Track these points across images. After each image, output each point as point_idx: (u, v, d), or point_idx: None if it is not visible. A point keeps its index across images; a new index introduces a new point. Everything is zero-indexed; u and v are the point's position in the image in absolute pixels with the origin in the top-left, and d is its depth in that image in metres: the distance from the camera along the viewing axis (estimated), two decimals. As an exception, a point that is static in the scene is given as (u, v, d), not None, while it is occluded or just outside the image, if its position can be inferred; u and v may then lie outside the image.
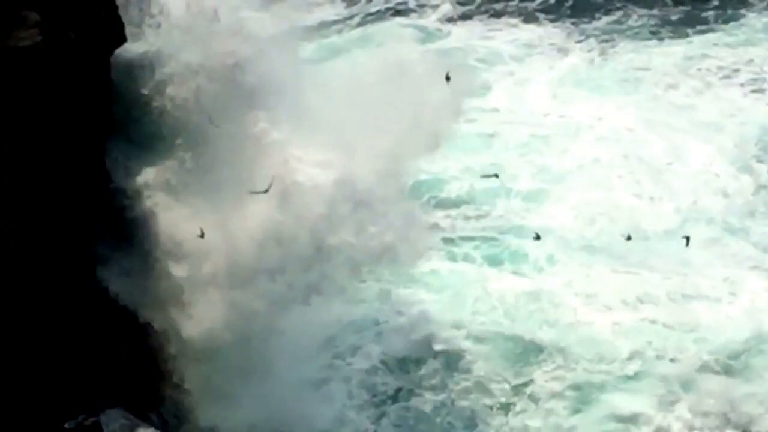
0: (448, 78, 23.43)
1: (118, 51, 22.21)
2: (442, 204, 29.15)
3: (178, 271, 22.30)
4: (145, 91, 22.54)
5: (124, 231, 22.24)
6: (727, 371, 23.65)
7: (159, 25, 23.19)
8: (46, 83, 18.96)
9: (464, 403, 23.28)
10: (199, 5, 23.17)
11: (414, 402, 23.46)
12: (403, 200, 25.03)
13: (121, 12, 22.19)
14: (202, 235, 21.71)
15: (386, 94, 24.97)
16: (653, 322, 25.01)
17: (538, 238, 26.50)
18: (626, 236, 26.59)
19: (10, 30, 18.64)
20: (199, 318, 22.29)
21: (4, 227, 18.72)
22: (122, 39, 21.21)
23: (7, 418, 19.11)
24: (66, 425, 19.76)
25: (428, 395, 23.50)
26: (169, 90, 22.46)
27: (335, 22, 38.53)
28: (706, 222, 28.52)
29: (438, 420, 23.13)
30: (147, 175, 22.51)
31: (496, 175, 26.34)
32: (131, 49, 22.52)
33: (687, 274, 26.49)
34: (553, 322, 25.04)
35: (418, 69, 26.54)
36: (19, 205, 18.95)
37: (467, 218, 28.62)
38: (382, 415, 23.23)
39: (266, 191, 21.50)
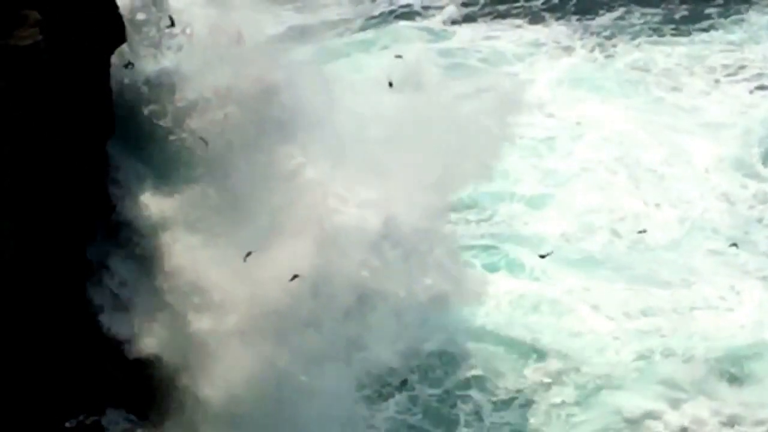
0: (390, 84, 22.77)
1: (134, 70, 21.61)
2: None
3: (196, 319, 20.84)
4: (166, 116, 21.53)
5: (132, 263, 21.21)
6: (733, 376, 23.96)
7: (180, 48, 22.29)
8: (47, 82, 19.16)
9: (467, 399, 23.46)
10: (223, 25, 22.25)
11: (419, 395, 23.55)
12: (451, 240, 24.58)
13: (136, 31, 21.86)
14: (294, 277, 20.18)
15: (427, 114, 24.20)
16: (658, 329, 25.26)
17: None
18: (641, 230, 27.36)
19: (11, 29, 18.83)
20: (219, 375, 20.57)
21: (4, 226, 18.96)
22: (122, 39, 21.12)
23: (7, 417, 19.40)
24: (66, 424, 20.00)
25: (433, 390, 23.63)
26: (195, 116, 21.46)
27: (338, 24, 38.40)
28: (711, 231, 28.66)
29: (444, 411, 23.24)
30: (164, 207, 21.26)
31: (543, 256, 25.57)
32: (148, 69, 21.82)
33: (693, 284, 26.72)
34: (554, 327, 25.27)
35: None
36: (19, 205, 19.14)
37: (468, 222, 28.55)
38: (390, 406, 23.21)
39: (248, 255, 20.25)
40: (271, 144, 21.68)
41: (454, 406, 23.23)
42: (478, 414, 23.10)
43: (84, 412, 20.30)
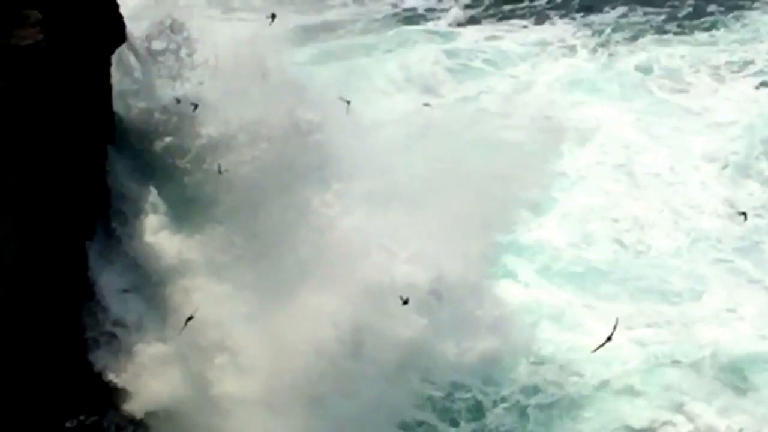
0: (348, 102, 21.59)
1: (151, 96, 20.98)
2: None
3: (216, 378, 19.52)
4: (186, 151, 20.61)
5: (139, 305, 20.34)
6: (740, 386, 24.07)
7: (201, 83, 21.42)
8: (47, 82, 19.34)
9: (469, 399, 23.34)
10: (247, 54, 21.36)
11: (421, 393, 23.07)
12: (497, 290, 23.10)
13: (153, 61, 21.39)
14: (406, 302, 19.05)
15: (463, 151, 23.31)
16: (663, 340, 25.28)
17: None
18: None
19: (12, 28, 18.99)
20: None
21: (5, 226, 19.09)
22: (122, 39, 21.19)
23: (8, 416, 19.57)
24: (67, 424, 20.09)
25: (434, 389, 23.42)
26: (219, 153, 20.53)
27: (341, 26, 38.62)
28: (716, 240, 28.71)
29: (449, 405, 23.06)
30: (182, 249, 20.27)
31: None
32: (165, 97, 21.09)
33: (699, 293, 26.75)
34: (556, 337, 25.11)
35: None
36: (20, 205, 19.29)
37: None
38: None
39: (189, 320, 18.88)
40: (304, 188, 20.70)
41: (454, 402, 23.16)
42: (480, 411, 23.06)
43: (84, 412, 20.32)
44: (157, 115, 21.12)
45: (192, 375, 19.61)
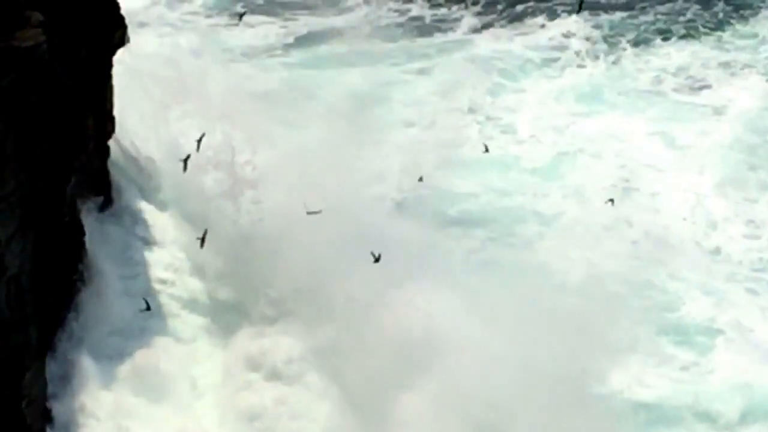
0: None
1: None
2: (452, 222, 28.30)
3: None
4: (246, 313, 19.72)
5: None
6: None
7: (261, 219, 20.20)
8: (49, 83, 19.57)
9: None
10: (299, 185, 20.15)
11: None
12: None
13: (205, 204, 20.79)
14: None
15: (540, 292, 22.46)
16: (680, 379, 25.01)
17: None
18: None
19: (14, 30, 19.22)
20: None
21: (7, 219, 19.19)
22: (122, 41, 21.47)
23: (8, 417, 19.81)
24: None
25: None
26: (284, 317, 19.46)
27: (346, 33, 37.78)
28: (738, 263, 28.18)
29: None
30: None
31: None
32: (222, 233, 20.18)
33: (716, 321, 26.34)
34: None
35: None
36: (22, 207, 19.36)
37: (472, 239, 27.78)
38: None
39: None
40: (392, 392, 19.39)
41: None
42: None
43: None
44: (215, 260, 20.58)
45: None
